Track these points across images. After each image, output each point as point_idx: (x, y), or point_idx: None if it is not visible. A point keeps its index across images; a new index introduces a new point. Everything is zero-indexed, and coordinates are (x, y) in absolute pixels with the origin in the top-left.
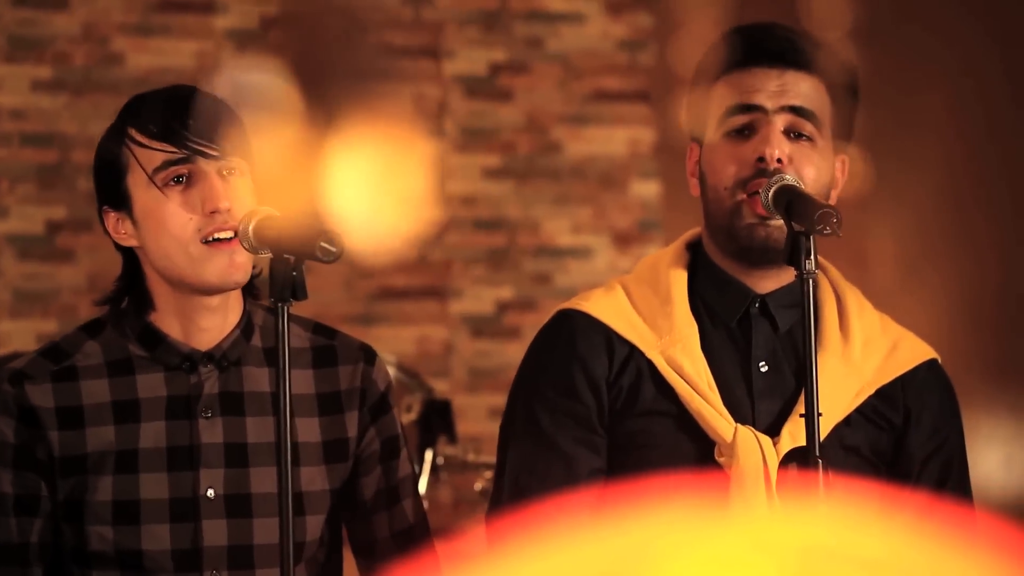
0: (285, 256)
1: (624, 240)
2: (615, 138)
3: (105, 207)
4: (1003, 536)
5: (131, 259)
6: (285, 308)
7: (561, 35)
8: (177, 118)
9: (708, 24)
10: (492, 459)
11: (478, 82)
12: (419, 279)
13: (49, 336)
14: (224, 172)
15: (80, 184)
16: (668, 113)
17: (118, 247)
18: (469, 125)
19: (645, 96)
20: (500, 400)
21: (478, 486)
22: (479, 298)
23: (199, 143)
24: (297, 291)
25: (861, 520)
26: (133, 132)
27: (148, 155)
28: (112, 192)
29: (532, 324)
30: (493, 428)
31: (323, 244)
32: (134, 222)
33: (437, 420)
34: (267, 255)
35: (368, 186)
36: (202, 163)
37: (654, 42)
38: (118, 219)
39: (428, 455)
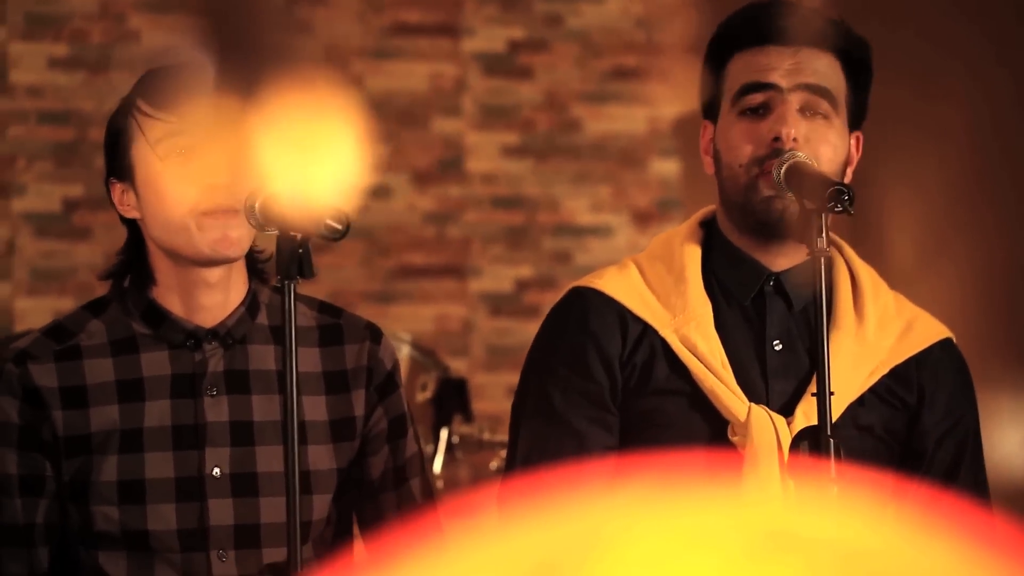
0: (291, 233)
1: (644, 218)
2: (635, 116)
3: (111, 178)
4: (1009, 533)
5: (135, 232)
6: (291, 286)
7: (580, 12)
8: (183, 91)
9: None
10: (506, 437)
11: (497, 60)
12: (438, 257)
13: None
14: (227, 147)
15: (97, 162)
16: (689, 91)
17: (123, 220)
18: (488, 103)
19: (665, 74)
20: (519, 379)
21: (494, 465)
22: (498, 276)
23: (203, 117)
24: (304, 268)
25: (865, 510)
26: (141, 103)
27: (152, 125)
28: (118, 163)
29: (551, 303)
30: None
31: (329, 222)
32: (136, 193)
33: (452, 398)
34: (274, 232)
35: (295, 157)
36: (204, 136)
37: (674, 20)
38: (123, 190)
39: (443, 434)
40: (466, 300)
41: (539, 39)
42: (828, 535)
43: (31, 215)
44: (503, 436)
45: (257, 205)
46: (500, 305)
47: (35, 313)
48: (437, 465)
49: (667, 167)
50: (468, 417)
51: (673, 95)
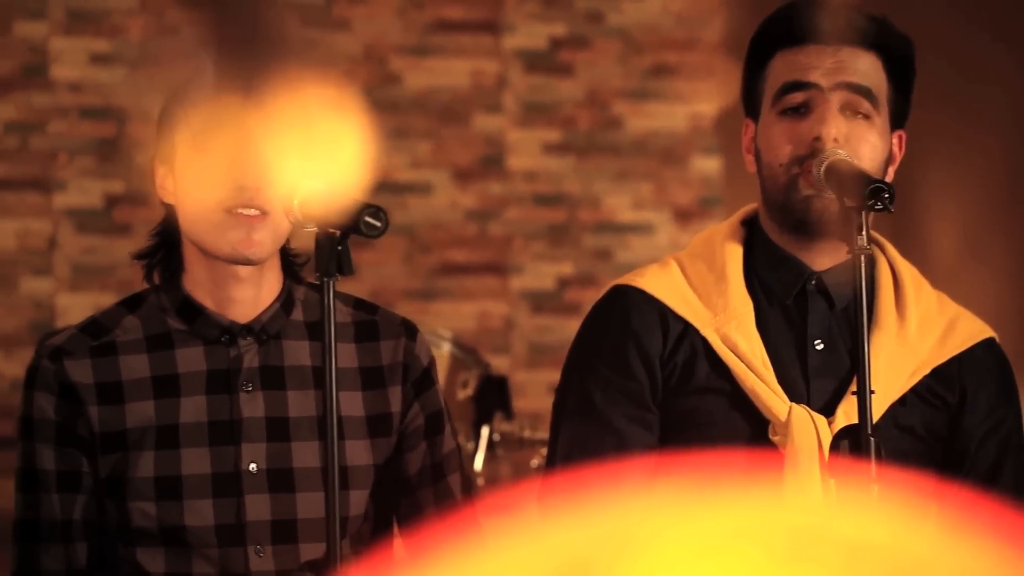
0: (330, 231)
1: (685, 216)
2: (676, 113)
3: (156, 160)
4: None
5: (171, 216)
6: (331, 283)
7: (622, 9)
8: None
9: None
10: (547, 435)
11: (538, 57)
12: (480, 254)
13: None
14: (263, 148)
15: (138, 158)
16: (730, 88)
17: (162, 203)
18: (529, 100)
19: (706, 71)
20: (560, 377)
21: (534, 462)
22: (539, 274)
23: (246, 115)
24: (343, 266)
25: (905, 512)
26: (192, 91)
27: (198, 114)
28: (164, 145)
29: (592, 300)
30: None
31: (367, 219)
32: (175, 179)
33: (493, 396)
34: (313, 230)
35: (304, 154)
36: (245, 135)
37: (715, 17)
38: (165, 174)
39: (484, 431)
40: (507, 297)
41: (580, 36)
42: (869, 536)
43: (72, 211)
44: (544, 434)
45: (297, 202)
46: (541, 302)
47: (76, 309)
48: (478, 463)
49: (708, 164)
50: (509, 415)
51: (714, 92)
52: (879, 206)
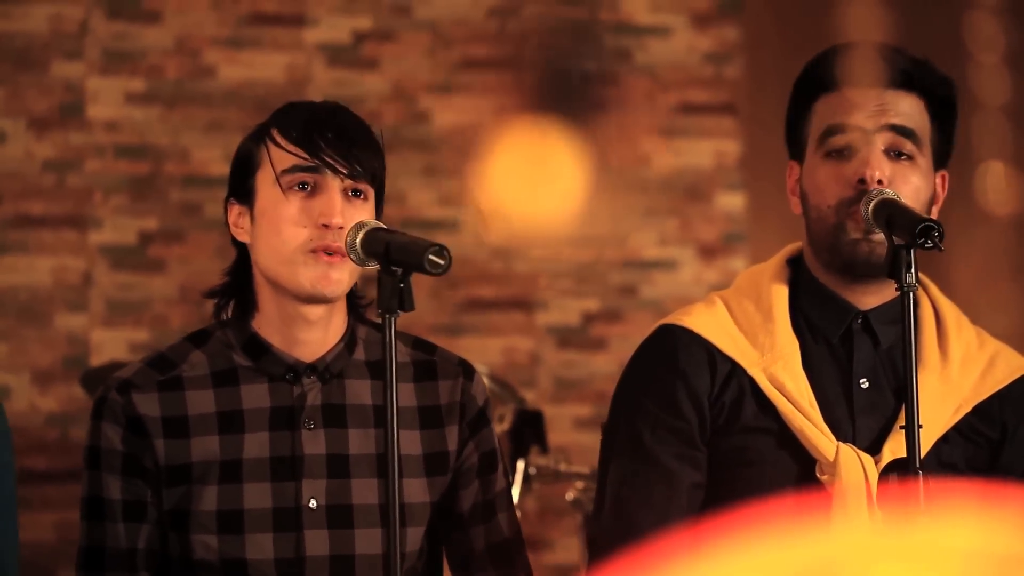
0: (393, 268)
1: (710, 252)
2: (701, 150)
3: (231, 199)
4: None
5: (243, 256)
6: (392, 320)
7: (648, 48)
8: (319, 129)
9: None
10: (582, 469)
11: None
12: (506, 290)
13: (141, 346)
14: (349, 192)
15: (172, 195)
16: (755, 126)
17: (233, 242)
18: None
19: (731, 109)
20: (586, 411)
21: (569, 496)
22: (565, 309)
23: (332, 157)
24: (404, 302)
25: (966, 515)
26: (275, 132)
27: (281, 156)
28: (241, 185)
29: (618, 336)
30: (579, 438)
31: (431, 256)
32: (252, 218)
33: (529, 430)
34: (375, 267)
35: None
36: (329, 177)
37: (740, 55)
38: (240, 213)
39: (520, 465)
40: (533, 333)
41: (610, 73)
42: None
43: (107, 248)
44: (579, 467)
45: (358, 240)
46: (567, 338)
47: (111, 344)
48: (514, 496)
49: (733, 201)
50: (545, 449)
51: (739, 129)
52: (929, 244)
